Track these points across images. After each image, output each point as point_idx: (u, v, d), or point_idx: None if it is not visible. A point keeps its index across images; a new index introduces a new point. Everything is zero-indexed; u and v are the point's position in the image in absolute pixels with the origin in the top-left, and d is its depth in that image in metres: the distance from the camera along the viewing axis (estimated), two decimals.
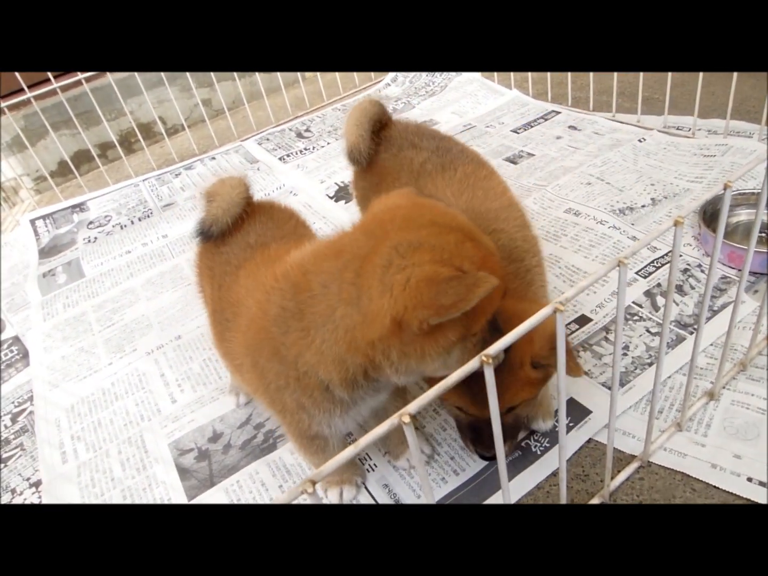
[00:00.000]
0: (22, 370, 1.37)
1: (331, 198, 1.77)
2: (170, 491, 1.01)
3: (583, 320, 1.16)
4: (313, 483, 0.44)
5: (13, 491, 1.08)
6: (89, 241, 1.82)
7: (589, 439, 0.95)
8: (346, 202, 1.73)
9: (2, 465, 1.14)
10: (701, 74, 1.54)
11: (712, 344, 1.05)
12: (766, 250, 1.14)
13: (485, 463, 0.94)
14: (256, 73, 2.34)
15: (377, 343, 0.64)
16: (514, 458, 0.94)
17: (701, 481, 0.85)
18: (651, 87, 1.92)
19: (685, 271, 1.22)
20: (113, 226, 1.87)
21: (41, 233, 1.91)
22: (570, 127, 1.86)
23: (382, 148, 1.11)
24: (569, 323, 1.16)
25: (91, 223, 1.92)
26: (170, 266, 1.61)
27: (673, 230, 0.64)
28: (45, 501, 1.04)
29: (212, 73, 2.24)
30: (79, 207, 2.02)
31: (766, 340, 1.02)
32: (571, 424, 0.97)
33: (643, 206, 1.43)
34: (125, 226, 1.85)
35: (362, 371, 0.69)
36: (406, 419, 0.46)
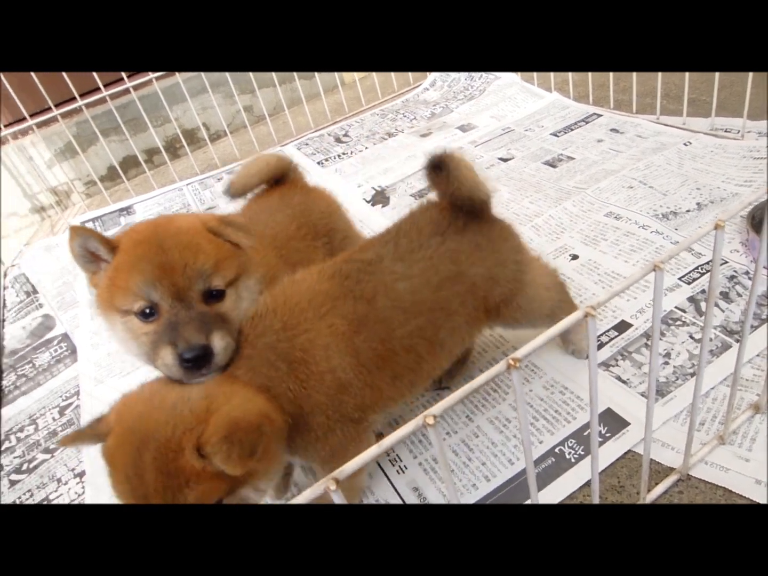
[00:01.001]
0: (71, 366, 1.43)
1: (368, 202, 1.78)
2: None
3: (622, 326, 1.13)
4: (337, 481, 0.44)
5: (59, 480, 1.13)
6: None
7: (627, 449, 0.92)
8: (383, 206, 1.74)
9: (49, 456, 1.19)
10: (751, 74, 1.48)
11: (758, 355, 1.00)
12: None
13: (518, 469, 0.93)
14: (297, 80, 2.39)
15: None
16: (547, 466, 0.92)
17: (744, 497, 0.81)
18: (697, 88, 1.86)
19: (732, 278, 1.17)
20: None
21: None
22: (612, 130, 1.82)
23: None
24: (608, 329, 1.13)
25: None
26: None
27: (715, 234, 0.62)
28: (87, 491, 1.08)
29: (254, 81, 2.29)
30: (126, 210, 2.10)
31: None
32: (608, 435, 0.94)
33: (688, 211, 1.38)
34: None
35: None
36: (431, 420, 0.46)
